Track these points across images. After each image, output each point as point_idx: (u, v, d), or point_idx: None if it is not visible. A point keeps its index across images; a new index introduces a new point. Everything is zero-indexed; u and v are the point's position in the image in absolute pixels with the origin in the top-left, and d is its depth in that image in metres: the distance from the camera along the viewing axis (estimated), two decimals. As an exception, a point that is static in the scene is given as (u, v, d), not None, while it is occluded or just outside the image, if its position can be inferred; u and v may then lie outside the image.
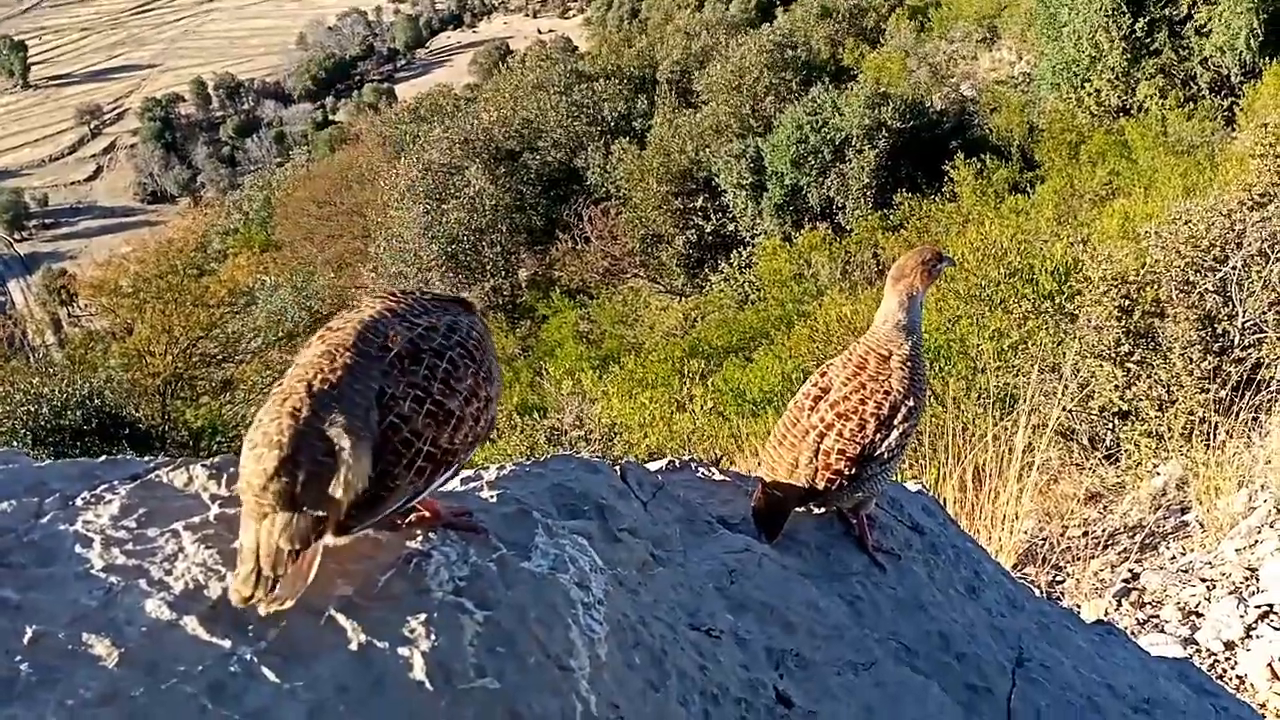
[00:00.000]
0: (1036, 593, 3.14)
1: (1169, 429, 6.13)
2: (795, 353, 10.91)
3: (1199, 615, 4.51)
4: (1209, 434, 5.92)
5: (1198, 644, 4.28)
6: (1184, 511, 5.64)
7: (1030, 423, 5.36)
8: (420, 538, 1.56)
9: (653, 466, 2.33)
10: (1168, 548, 5.34)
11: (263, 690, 1.27)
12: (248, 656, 1.31)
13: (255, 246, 34.87)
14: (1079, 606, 4.80)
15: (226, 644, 1.32)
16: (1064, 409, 6.15)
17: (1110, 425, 6.65)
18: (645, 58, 32.19)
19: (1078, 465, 6.57)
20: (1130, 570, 5.15)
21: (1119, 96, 21.32)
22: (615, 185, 26.03)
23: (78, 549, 1.44)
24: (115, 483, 1.61)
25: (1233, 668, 4.10)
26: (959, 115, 24.83)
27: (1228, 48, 19.59)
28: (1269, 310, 6.35)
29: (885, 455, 2.14)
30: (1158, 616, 4.61)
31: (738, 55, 27.30)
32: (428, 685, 1.33)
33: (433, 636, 1.38)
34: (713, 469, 2.41)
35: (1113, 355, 6.56)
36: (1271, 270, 6.39)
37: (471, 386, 1.52)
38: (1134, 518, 5.75)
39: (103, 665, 1.26)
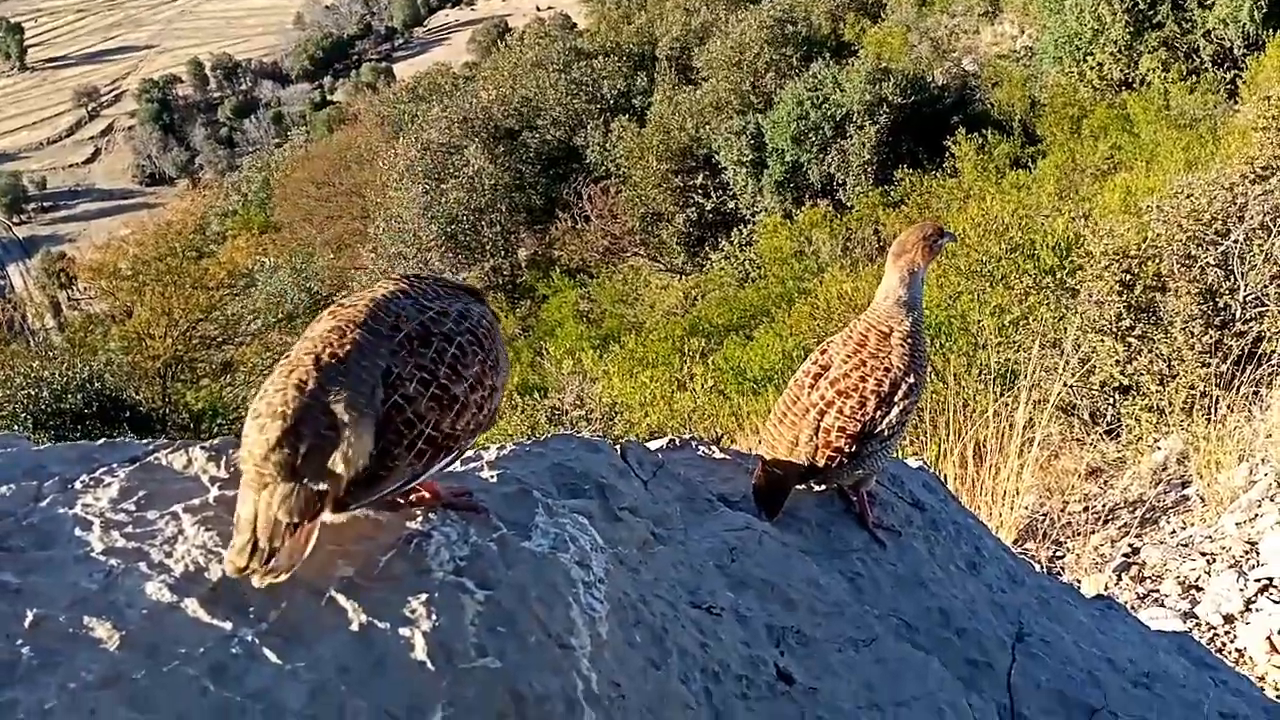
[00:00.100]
0: (1037, 568, 3.15)
1: (1170, 403, 6.13)
2: (796, 330, 10.90)
3: (1199, 589, 4.52)
4: (1210, 408, 5.92)
5: (1197, 618, 4.29)
6: (1184, 486, 5.65)
7: (1031, 398, 5.36)
8: (420, 518, 1.56)
9: (653, 445, 2.33)
10: (1168, 522, 5.35)
11: (264, 671, 1.28)
12: (249, 638, 1.31)
13: (254, 228, 34.76)
14: (1079, 581, 4.81)
15: (227, 626, 1.32)
16: (1065, 384, 6.14)
17: (1111, 400, 6.66)
18: (645, 34, 31.95)
19: (1078, 440, 6.58)
20: (1130, 545, 5.16)
21: (1121, 70, 21.18)
22: (615, 163, 25.90)
23: (77, 532, 1.44)
24: (114, 465, 1.61)
25: (1232, 641, 4.12)
26: (960, 90, 24.64)
27: (1231, 20, 19.44)
28: (1270, 284, 6.33)
29: (886, 432, 2.14)
30: (1158, 591, 4.63)
31: (738, 31, 27.08)
32: (429, 665, 1.33)
33: (434, 616, 1.38)
34: (713, 447, 2.41)
35: (1114, 330, 6.56)
36: (1273, 243, 6.36)
37: (478, 374, 1.52)
38: (1134, 492, 5.76)
39: (104, 648, 1.26)
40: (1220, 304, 6.43)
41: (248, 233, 32.14)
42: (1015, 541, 5.09)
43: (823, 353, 2.24)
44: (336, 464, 1.37)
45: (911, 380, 2.15)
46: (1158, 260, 6.67)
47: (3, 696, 1.19)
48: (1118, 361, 6.48)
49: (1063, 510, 5.64)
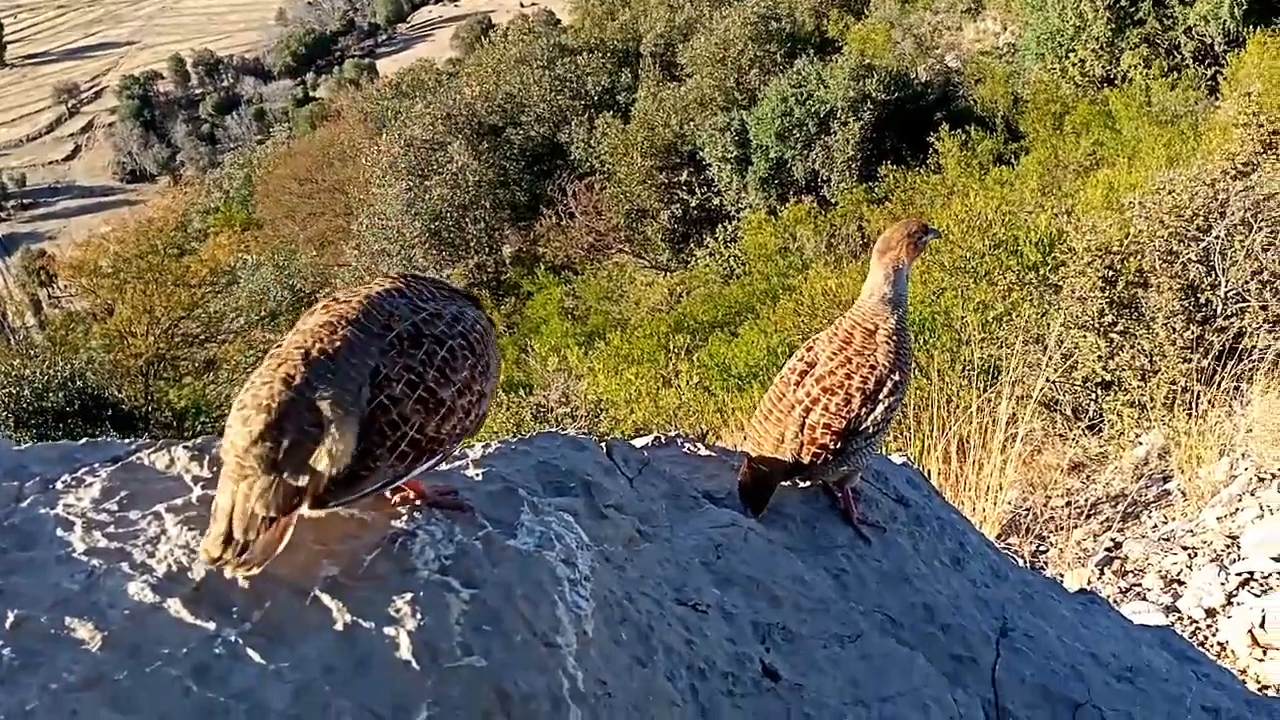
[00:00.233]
0: (1020, 563, 3.16)
1: (1151, 399, 6.17)
2: (781, 327, 10.91)
3: (1180, 583, 4.55)
4: (1191, 403, 5.96)
5: (1179, 612, 4.32)
6: (1166, 480, 5.68)
7: (1014, 394, 5.39)
8: (405, 517, 1.56)
9: (639, 442, 2.33)
10: (1150, 517, 5.39)
11: (248, 671, 1.27)
12: (232, 638, 1.30)
13: (236, 225, 34.55)
14: (1062, 576, 4.84)
15: (211, 626, 1.31)
16: (1048, 380, 6.18)
17: (1093, 395, 6.70)
18: (629, 31, 31.90)
19: (1061, 436, 6.61)
20: (1113, 539, 5.19)
21: (1103, 66, 21.29)
22: (599, 160, 25.86)
23: (59, 532, 1.43)
24: (96, 465, 1.60)
25: (1214, 635, 4.15)
26: (944, 87, 24.70)
27: (1211, 16, 19.56)
28: (1251, 279, 6.38)
29: (870, 429, 2.15)
30: (1140, 585, 4.66)
31: (722, 28, 27.07)
32: (414, 664, 1.33)
33: (418, 615, 1.38)
34: (699, 444, 2.41)
35: (1096, 326, 6.60)
36: (1254, 239, 6.41)
37: (466, 379, 1.51)
38: (1116, 487, 5.80)
39: (86, 649, 1.25)
40: (1202, 299, 6.48)
41: (230, 230, 31.91)
42: (999, 537, 5.12)
43: (808, 350, 2.25)
44: (318, 461, 1.37)
45: (897, 377, 2.16)
46: (1140, 256, 6.71)
47: (-17, 699, 1.18)
48: (1100, 357, 6.52)
49: (1045, 505, 5.67)
